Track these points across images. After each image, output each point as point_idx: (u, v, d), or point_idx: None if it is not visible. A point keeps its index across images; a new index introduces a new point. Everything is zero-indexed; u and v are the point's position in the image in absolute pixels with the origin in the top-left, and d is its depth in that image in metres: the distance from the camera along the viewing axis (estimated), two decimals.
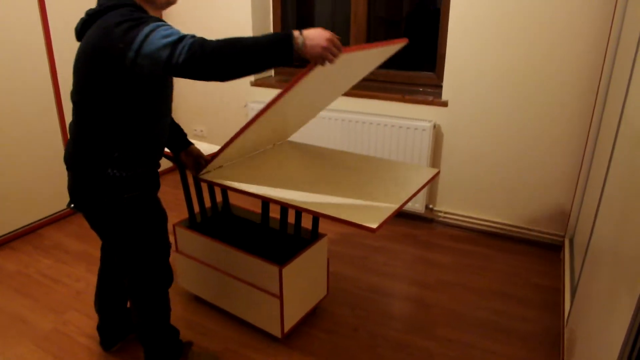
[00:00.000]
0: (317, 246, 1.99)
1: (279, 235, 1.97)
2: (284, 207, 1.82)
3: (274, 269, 1.81)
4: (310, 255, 1.95)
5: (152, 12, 1.38)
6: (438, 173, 1.81)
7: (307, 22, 3.33)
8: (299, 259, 1.88)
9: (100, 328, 1.87)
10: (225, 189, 2.34)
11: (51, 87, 2.76)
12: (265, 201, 1.87)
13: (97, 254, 2.58)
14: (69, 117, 2.89)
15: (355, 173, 1.80)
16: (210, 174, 1.80)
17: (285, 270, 1.81)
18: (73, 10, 2.79)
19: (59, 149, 2.86)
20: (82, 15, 1.35)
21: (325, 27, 1.24)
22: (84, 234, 2.80)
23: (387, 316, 2.09)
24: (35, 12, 2.61)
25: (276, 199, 1.58)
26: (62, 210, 2.96)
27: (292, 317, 1.92)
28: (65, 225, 2.90)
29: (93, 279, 2.35)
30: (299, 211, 2.03)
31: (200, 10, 3.28)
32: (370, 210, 1.50)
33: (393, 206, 1.52)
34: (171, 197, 3.30)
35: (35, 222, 2.83)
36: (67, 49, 2.80)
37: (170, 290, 2.23)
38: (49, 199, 2.87)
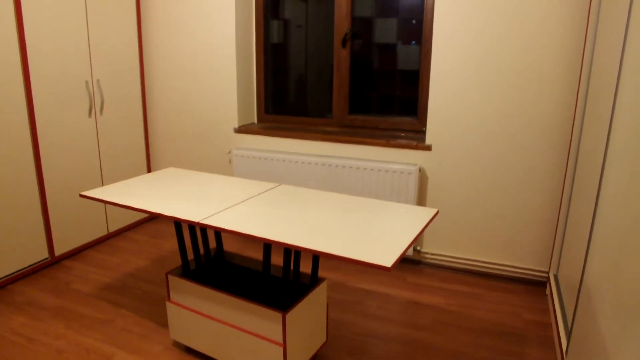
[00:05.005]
0: (317, 291, 1.96)
1: (277, 281, 1.94)
2: (287, 250, 1.80)
3: (277, 315, 1.77)
4: (312, 300, 1.93)
5: None
6: (437, 213, 1.87)
7: (282, 48, 3.45)
8: (301, 304, 1.85)
9: None
10: (219, 236, 2.30)
11: (29, 136, 2.68)
12: (267, 244, 1.85)
13: (77, 309, 2.43)
14: (46, 169, 2.80)
15: (355, 214, 1.83)
16: (209, 219, 1.77)
17: (288, 316, 1.77)
18: (56, 62, 2.78)
19: (31, 200, 2.74)
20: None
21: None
22: (59, 288, 2.63)
23: None
24: (17, 67, 2.58)
25: (282, 241, 1.58)
26: (33, 264, 2.79)
27: None
28: (38, 279, 2.73)
29: (75, 337, 2.20)
30: (298, 256, 2.02)
31: (183, 22, 3.34)
32: (378, 249, 1.51)
33: (402, 245, 1.55)
34: (153, 247, 3.19)
35: (4, 277, 2.64)
36: (48, 100, 2.76)
37: (161, 342, 2.14)
38: (18, 252, 2.71)
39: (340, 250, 1.51)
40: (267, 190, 2.14)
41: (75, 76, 2.90)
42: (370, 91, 3.13)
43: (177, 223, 2.10)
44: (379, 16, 3.00)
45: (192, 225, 2.12)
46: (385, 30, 3.00)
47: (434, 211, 1.86)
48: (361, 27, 3.04)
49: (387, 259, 1.44)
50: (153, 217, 3.72)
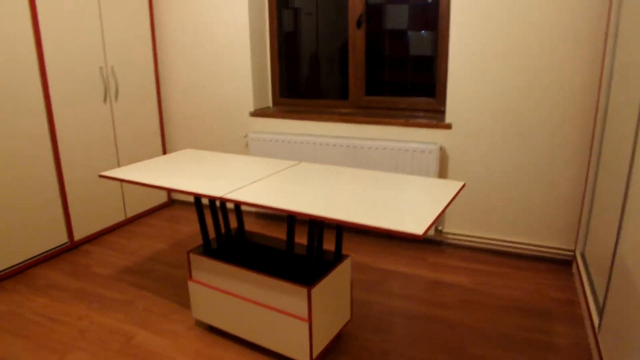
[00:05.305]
0: (342, 267, 1.93)
1: (300, 258, 1.91)
2: (312, 225, 1.77)
3: (302, 291, 1.74)
4: (336, 276, 1.90)
5: None
6: (464, 185, 1.82)
7: (294, 35, 3.41)
8: (326, 279, 1.82)
9: None
10: (240, 215, 2.28)
11: (46, 125, 2.67)
12: (292, 218, 1.82)
13: (98, 291, 2.43)
14: (64, 155, 2.80)
15: (381, 188, 1.79)
16: (232, 194, 1.75)
17: (314, 292, 1.74)
18: (70, 49, 2.77)
19: (50, 185, 2.74)
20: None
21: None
22: (79, 271, 2.63)
23: (413, 339, 2.02)
24: (32, 54, 2.57)
25: (308, 212, 1.55)
26: (53, 248, 2.79)
27: (320, 342, 1.83)
28: (58, 263, 2.74)
29: (97, 317, 2.19)
30: (321, 232, 1.99)
31: (196, 8, 3.31)
32: (407, 219, 1.48)
33: (432, 214, 1.51)
34: (170, 231, 3.19)
35: (25, 260, 2.65)
36: (64, 88, 2.75)
37: (183, 322, 2.12)
38: (38, 237, 2.71)
39: (369, 219, 1.47)
40: (288, 167, 2.11)
41: (89, 63, 2.89)
42: (383, 75, 3.08)
43: (198, 201, 2.07)
44: (390, 2, 2.94)
45: (213, 204, 2.10)
46: (397, 16, 2.95)
47: (460, 184, 1.81)
48: (373, 14, 2.99)
49: (418, 227, 1.40)
50: (170, 203, 3.71)
